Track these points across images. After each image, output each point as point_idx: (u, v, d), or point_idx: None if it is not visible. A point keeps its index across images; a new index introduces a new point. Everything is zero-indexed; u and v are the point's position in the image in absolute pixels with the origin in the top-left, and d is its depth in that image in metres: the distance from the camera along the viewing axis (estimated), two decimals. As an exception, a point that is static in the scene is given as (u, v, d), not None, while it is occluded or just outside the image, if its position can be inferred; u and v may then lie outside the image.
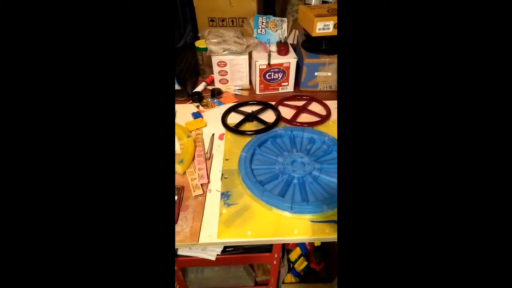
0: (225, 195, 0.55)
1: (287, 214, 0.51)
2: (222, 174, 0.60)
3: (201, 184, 0.56)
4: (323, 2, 1.34)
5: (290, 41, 0.89)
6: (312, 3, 1.35)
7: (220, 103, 0.82)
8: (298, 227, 0.50)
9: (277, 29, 0.88)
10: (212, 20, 1.15)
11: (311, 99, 0.82)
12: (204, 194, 0.55)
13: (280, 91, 0.86)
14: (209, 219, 0.51)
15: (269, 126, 0.70)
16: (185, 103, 0.82)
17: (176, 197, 0.53)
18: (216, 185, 0.57)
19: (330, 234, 0.49)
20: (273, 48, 0.84)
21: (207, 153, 0.65)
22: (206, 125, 0.73)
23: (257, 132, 0.69)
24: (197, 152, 0.64)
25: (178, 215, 0.51)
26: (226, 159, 0.63)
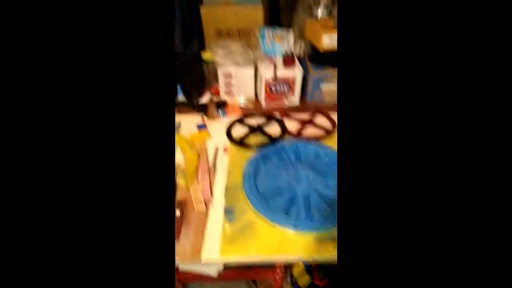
0: (228, 211, 0.54)
1: (291, 231, 0.50)
2: (225, 189, 0.59)
3: (204, 199, 0.56)
4: (330, 13, 1.35)
5: (296, 52, 0.89)
6: (319, 14, 1.36)
7: (225, 115, 0.82)
8: (302, 245, 0.49)
9: (283, 42, 0.88)
10: (218, 32, 1.17)
11: (316, 112, 0.82)
12: (207, 209, 0.54)
13: (286, 103, 0.86)
14: (212, 236, 0.50)
15: (274, 140, 0.70)
16: (191, 114, 0.82)
17: (178, 212, 0.52)
18: (219, 200, 0.57)
19: (333, 252, 0.48)
20: (279, 60, 0.84)
21: (211, 166, 0.64)
22: (210, 137, 0.73)
23: (262, 145, 0.68)
24: (201, 165, 0.63)
25: (180, 231, 0.51)
26: (230, 173, 0.63)
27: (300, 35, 0.97)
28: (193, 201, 0.55)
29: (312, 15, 1.39)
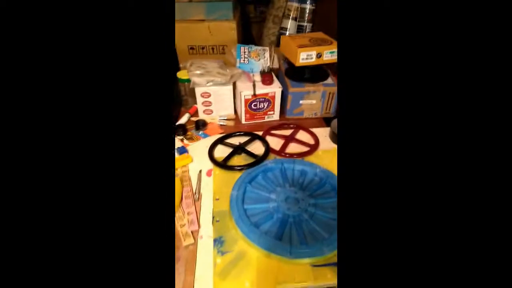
0: (218, 242, 0.51)
1: (286, 259, 0.48)
2: (213, 217, 0.56)
3: (192, 231, 0.52)
4: (299, 27, 1.38)
5: (270, 65, 0.89)
6: (288, 27, 1.39)
7: (205, 135, 0.79)
8: (299, 273, 0.47)
9: (259, 58, 0.87)
10: (192, 48, 1.14)
11: (298, 127, 0.82)
12: (195, 242, 0.51)
13: (266, 119, 0.85)
14: (203, 271, 0.47)
15: (258, 160, 0.68)
16: (168, 136, 0.78)
17: (164, 249, 0.48)
18: (207, 230, 0.54)
19: (332, 280, 0.47)
20: (257, 77, 0.84)
21: (195, 193, 0.61)
22: (192, 161, 0.70)
23: (247, 166, 0.66)
24: (185, 193, 0.60)
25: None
26: (216, 199, 0.60)
27: (273, 49, 0.97)
28: (180, 235, 0.51)
29: (282, 27, 1.42)
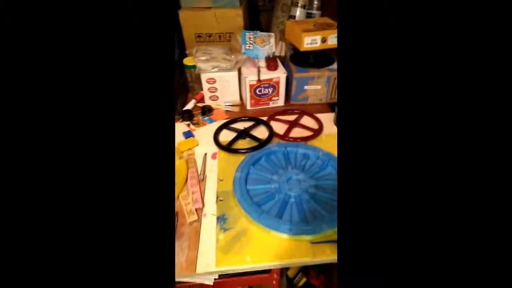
0: (221, 219, 0.53)
1: (286, 236, 0.50)
2: (217, 197, 0.58)
3: (196, 209, 0.54)
4: (308, 15, 1.37)
5: (277, 52, 0.89)
6: (297, 15, 1.37)
7: (211, 121, 0.81)
8: (298, 249, 0.49)
9: (264, 44, 0.88)
10: (199, 36, 1.15)
11: (302, 113, 0.82)
12: (199, 220, 0.53)
13: (271, 105, 0.86)
14: (206, 247, 0.49)
15: (262, 143, 0.69)
16: (176, 121, 0.80)
17: (170, 225, 0.50)
18: (211, 209, 0.56)
19: (330, 256, 0.48)
20: (262, 63, 0.84)
21: (200, 174, 0.63)
22: (198, 145, 0.72)
23: (250, 149, 0.68)
24: (190, 174, 0.62)
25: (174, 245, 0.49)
26: (221, 180, 0.62)
27: (281, 37, 0.97)
28: (185, 212, 0.54)
29: (290, 15, 1.40)
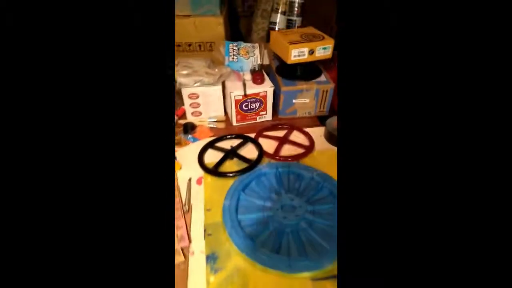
0: (211, 258, 0.48)
1: (285, 273, 0.45)
2: (204, 230, 0.52)
3: (182, 248, 0.48)
4: (288, 21, 1.34)
5: (261, 62, 0.85)
6: (277, 22, 1.34)
7: (194, 139, 0.75)
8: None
9: (249, 56, 0.83)
10: (178, 45, 1.09)
11: (291, 128, 0.78)
12: (186, 260, 0.47)
13: (258, 120, 0.81)
14: (195, 293, 0.43)
15: (252, 165, 0.64)
16: (155, 142, 0.73)
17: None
18: (199, 245, 0.50)
19: (334, 294, 0.44)
20: (247, 76, 0.80)
21: (184, 204, 0.57)
22: (181, 168, 0.65)
23: (239, 172, 0.62)
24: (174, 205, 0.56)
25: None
26: (208, 210, 0.56)
27: (264, 44, 0.93)
28: (169, 252, 0.47)
29: (271, 22, 1.37)
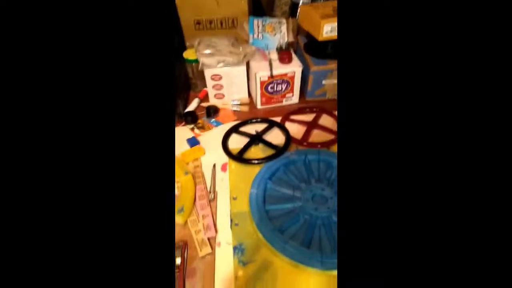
0: (239, 250, 0.46)
1: (317, 271, 0.42)
2: (231, 220, 0.50)
3: (208, 238, 0.46)
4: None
5: (286, 38, 0.78)
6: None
7: (218, 123, 0.71)
8: (333, 286, 0.41)
9: (275, 33, 0.77)
10: (198, 23, 1.03)
11: (320, 111, 0.73)
12: (213, 252, 0.45)
13: (284, 103, 0.76)
14: (223, 286, 0.42)
15: (279, 151, 0.60)
16: (177, 125, 0.71)
17: (179, 260, 0.43)
18: (225, 235, 0.48)
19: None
20: (273, 55, 0.74)
21: (210, 192, 0.54)
22: (205, 154, 0.63)
23: (266, 159, 0.59)
24: (198, 192, 0.54)
25: (184, 283, 0.42)
26: (234, 198, 0.53)
27: (290, 21, 0.86)
28: (196, 243, 0.46)
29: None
